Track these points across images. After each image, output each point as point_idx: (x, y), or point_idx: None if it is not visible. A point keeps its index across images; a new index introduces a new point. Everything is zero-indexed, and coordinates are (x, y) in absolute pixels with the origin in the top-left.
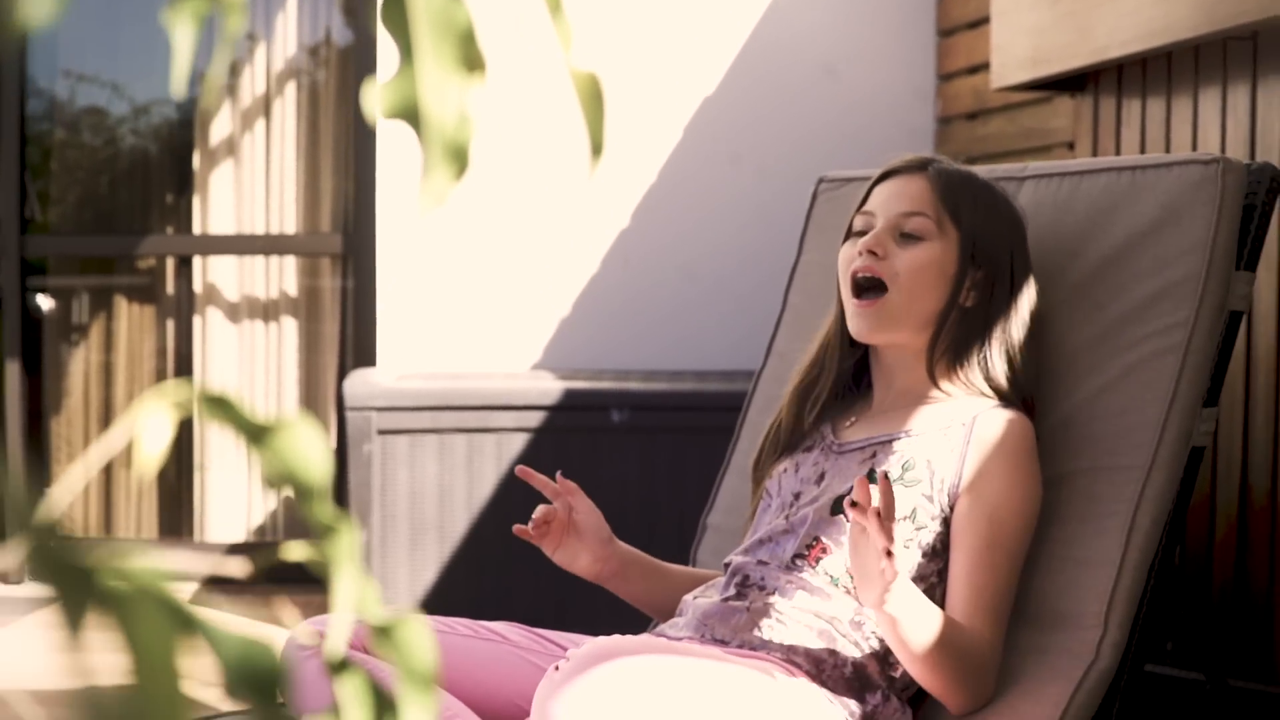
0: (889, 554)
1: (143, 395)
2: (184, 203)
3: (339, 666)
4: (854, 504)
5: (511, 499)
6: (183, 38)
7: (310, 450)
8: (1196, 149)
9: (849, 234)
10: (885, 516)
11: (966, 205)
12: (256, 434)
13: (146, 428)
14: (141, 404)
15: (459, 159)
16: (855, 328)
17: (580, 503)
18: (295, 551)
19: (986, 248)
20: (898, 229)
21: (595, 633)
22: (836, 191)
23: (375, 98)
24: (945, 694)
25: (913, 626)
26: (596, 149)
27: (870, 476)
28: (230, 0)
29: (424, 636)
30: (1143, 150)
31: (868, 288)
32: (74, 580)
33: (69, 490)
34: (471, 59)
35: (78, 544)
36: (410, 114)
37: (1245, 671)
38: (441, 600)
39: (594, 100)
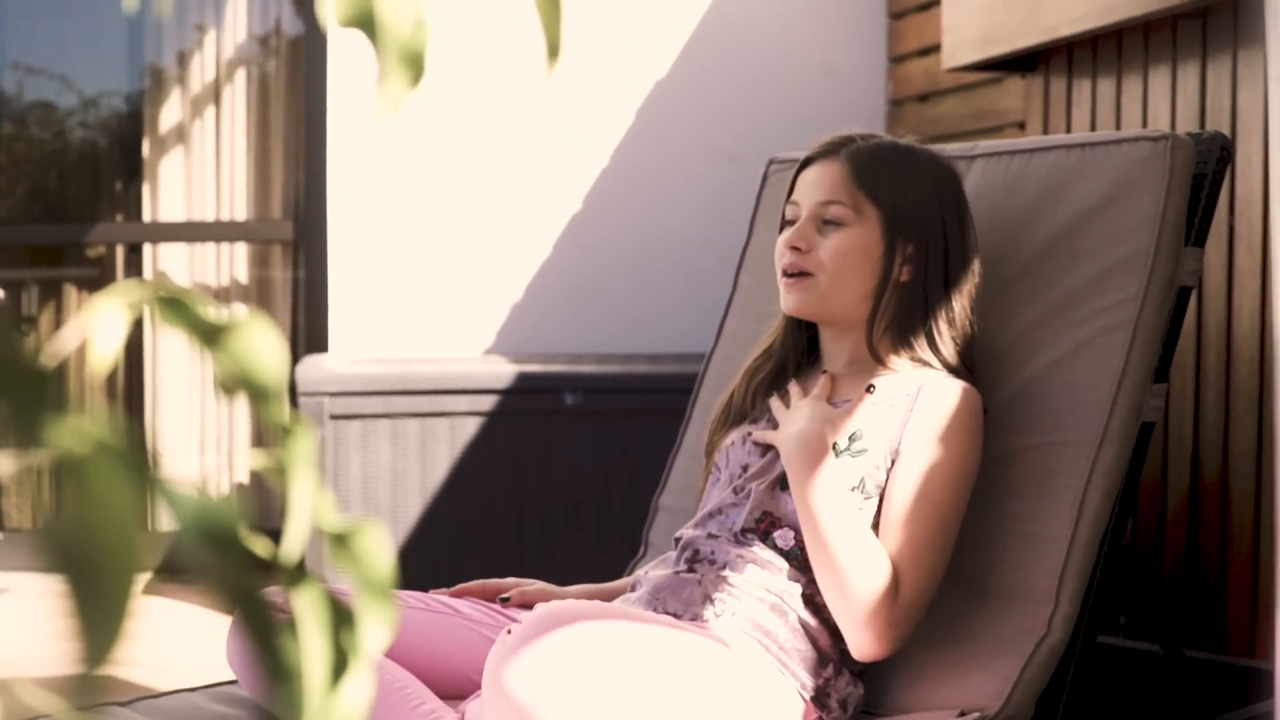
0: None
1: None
2: (134, 191)
3: (294, 577)
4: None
5: (464, 483)
6: None
7: (266, 352)
8: (1147, 127)
9: (782, 224)
10: None
11: (884, 182)
12: (211, 335)
13: (100, 327)
14: (95, 303)
15: (415, 65)
16: (785, 304)
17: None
18: (254, 460)
19: (912, 219)
20: (819, 218)
21: None
22: (787, 173)
23: (329, 5)
24: (844, 611)
25: (838, 525)
26: (553, 50)
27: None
28: None
29: (381, 544)
30: (1093, 128)
31: (795, 276)
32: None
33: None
34: None
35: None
36: (365, 21)
37: (1197, 643)
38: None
39: (551, 2)
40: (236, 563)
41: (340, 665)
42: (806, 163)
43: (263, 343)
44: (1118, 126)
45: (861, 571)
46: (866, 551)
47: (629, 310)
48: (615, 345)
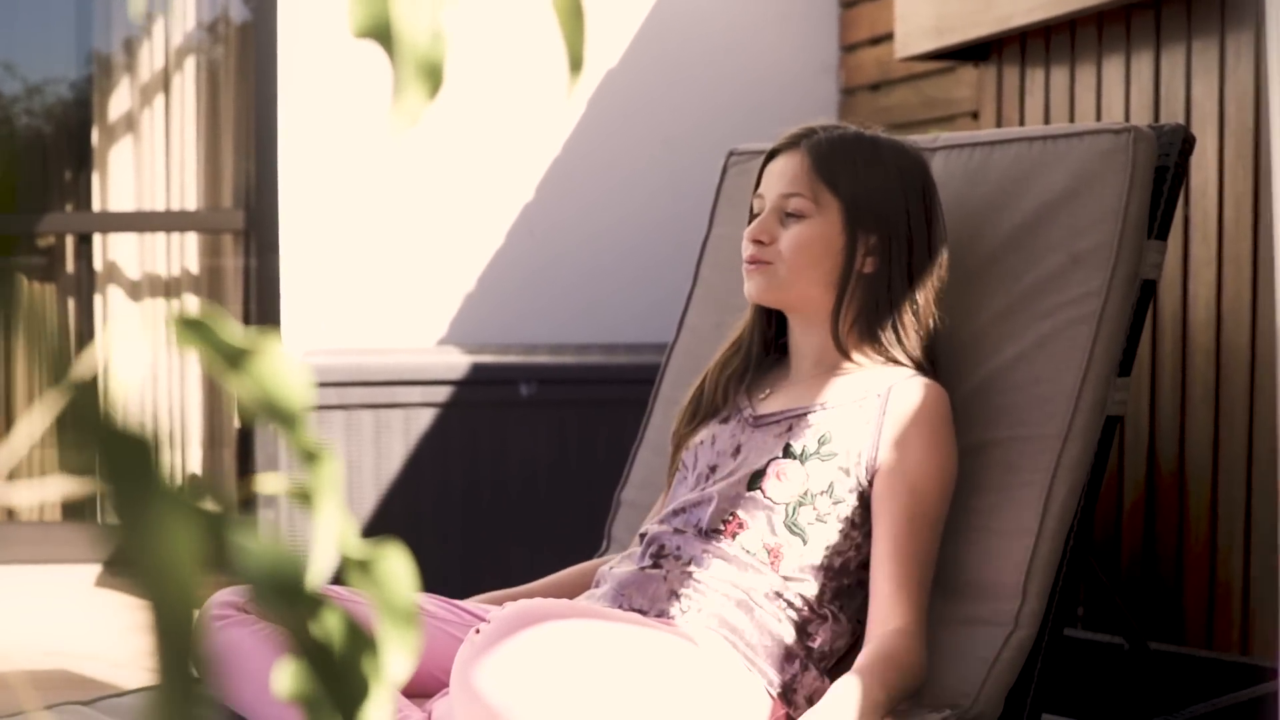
0: None
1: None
2: (83, 180)
3: (314, 603)
4: None
5: (419, 475)
6: None
7: (290, 375)
8: (1101, 118)
9: (751, 216)
10: None
11: (845, 173)
12: (234, 358)
13: (120, 354)
14: (114, 328)
15: (433, 77)
16: (746, 290)
17: None
18: (271, 483)
19: (874, 210)
20: (781, 210)
21: None
22: (747, 165)
23: (346, 15)
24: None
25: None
26: (575, 65)
27: (787, 451)
28: None
29: (405, 569)
30: (1047, 118)
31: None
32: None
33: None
34: None
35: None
36: (382, 32)
37: (1154, 634)
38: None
39: (574, 15)
40: (306, 612)
41: (362, 691)
42: (772, 155)
43: (287, 366)
44: (1071, 117)
45: (899, 693)
46: (887, 694)
47: (582, 299)
48: (568, 334)
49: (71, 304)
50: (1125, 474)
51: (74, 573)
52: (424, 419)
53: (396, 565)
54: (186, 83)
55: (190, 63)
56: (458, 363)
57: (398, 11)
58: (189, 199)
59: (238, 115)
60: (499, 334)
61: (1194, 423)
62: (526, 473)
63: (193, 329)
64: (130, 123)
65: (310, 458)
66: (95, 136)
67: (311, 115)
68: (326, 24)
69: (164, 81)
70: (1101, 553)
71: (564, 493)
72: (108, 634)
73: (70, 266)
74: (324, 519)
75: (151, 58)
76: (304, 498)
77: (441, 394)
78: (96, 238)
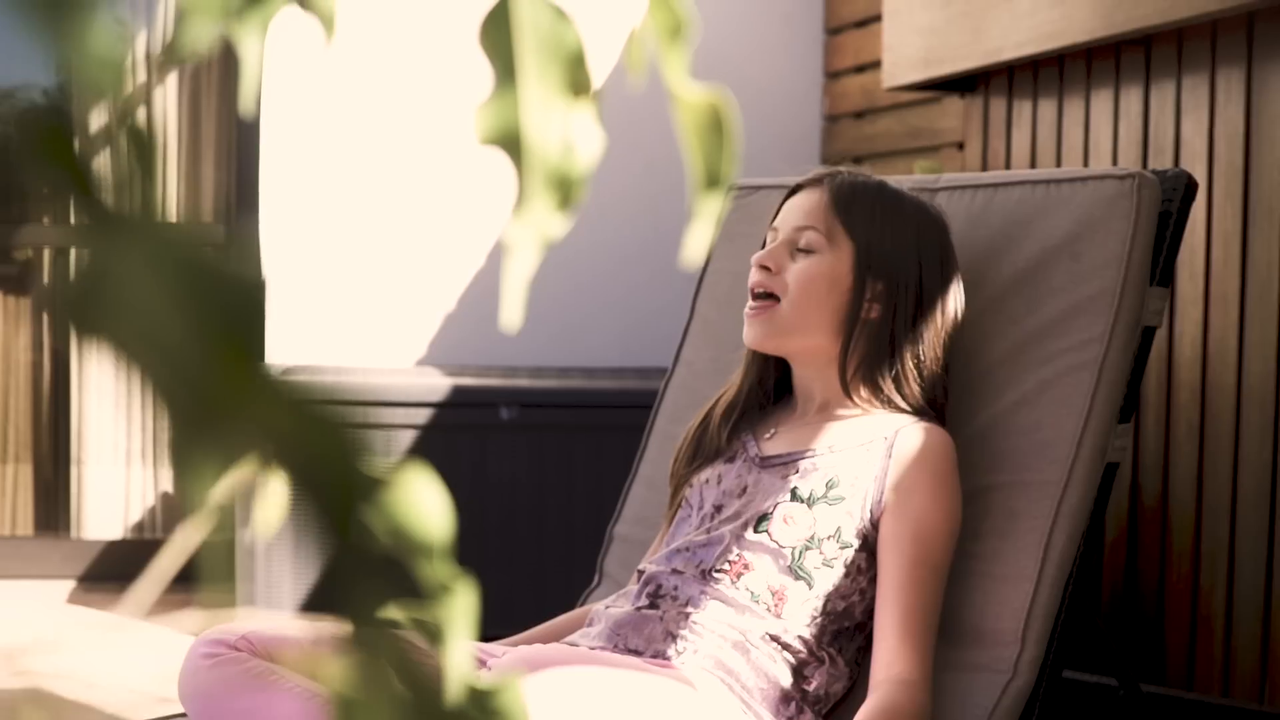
0: None
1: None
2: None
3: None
4: None
5: None
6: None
7: (429, 505)
8: (1088, 152)
9: (763, 248)
10: None
11: (862, 216)
12: (369, 488)
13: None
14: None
15: (563, 189)
16: (746, 336)
17: None
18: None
19: (885, 259)
20: (793, 244)
21: (487, 636)
22: (746, 199)
23: (473, 122)
24: None
25: None
26: (712, 182)
27: (795, 495)
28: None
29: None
30: (1034, 152)
31: (761, 297)
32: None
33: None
34: (579, 82)
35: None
36: (510, 140)
37: (1135, 672)
38: (325, 601)
39: (714, 132)
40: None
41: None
42: (794, 190)
43: (426, 495)
44: (1059, 151)
45: None
46: None
47: (562, 321)
48: (549, 357)
49: (47, 319)
50: (1108, 509)
51: (46, 588)
52: (404, 441)
53: (518, 702)
54: (168, 95)
55: (171, 75)
56: (438, 384)
57: (527, 120)
58: (169, 213)
59: (219, 130)
60: (479, 355)
61: (1178, 459)
62: (506, 497)
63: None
64: (109, 135)
65: (445, 591)
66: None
67: (293, 132)
68: (308, 40)
69: (145, 94)
70: (1083, 589)
71: (543, 518)
72: (81, 652)
73: (46, 280)
74: (454, 653)
75: (133, 70)
76: (432, 631)
77: (421, 416)
78: (74, 252)
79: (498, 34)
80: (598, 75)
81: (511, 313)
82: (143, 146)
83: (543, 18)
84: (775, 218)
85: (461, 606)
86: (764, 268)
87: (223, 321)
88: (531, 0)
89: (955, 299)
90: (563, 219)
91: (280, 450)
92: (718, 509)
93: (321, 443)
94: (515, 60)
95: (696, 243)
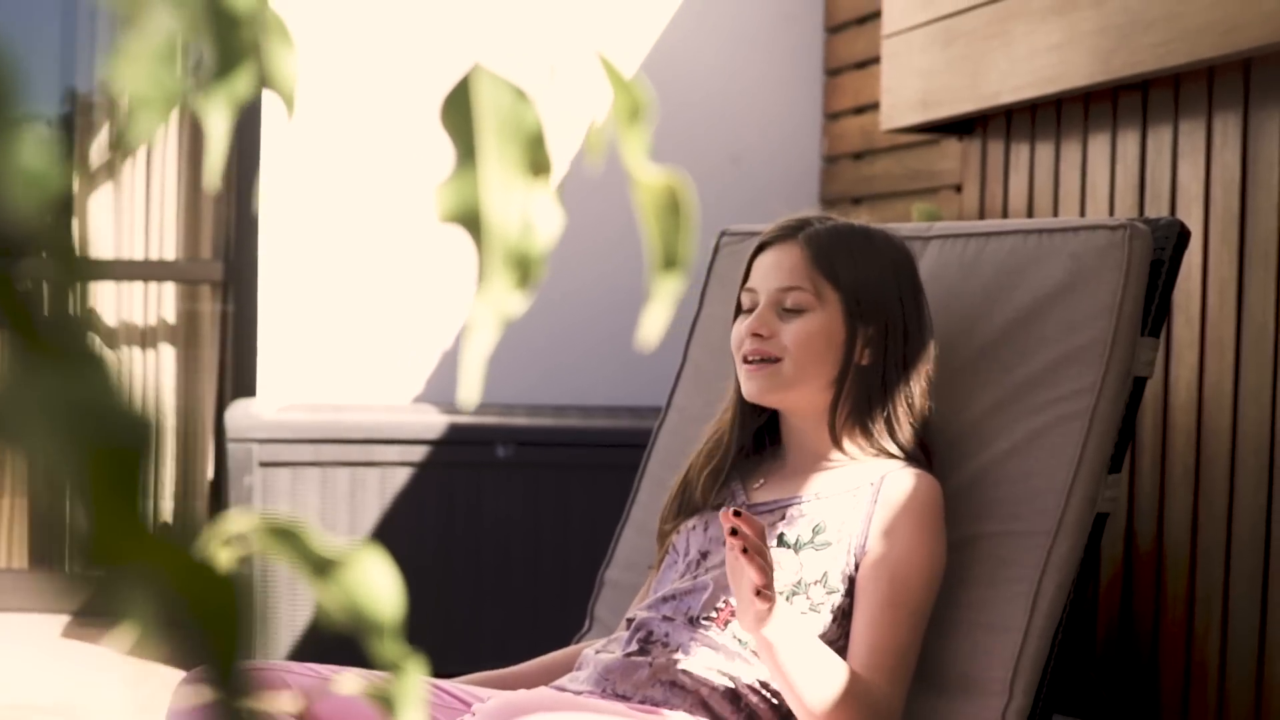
0: (760, 591)
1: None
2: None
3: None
4: (734, 532)
5: (394, 534)
6: (217, 126)
7: (380, 585)
8: (1085, 196)
9: (738, 310)
10: (754, 550)
11: (844, 265)
12: (322, 567)
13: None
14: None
15: (523, 268)
16: (747, 390)
17: None
18: (350, 685)
19: (872, 302)
20: (779, 304)
21: (481, 668)
22: (739, 245)
23: (434, 200)
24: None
25: (793, 654)
26: (669, 263)
27: (781, 541)
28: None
29: None
30: (1031, 195)
31: (758, 362)
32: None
33: None
34: (539, 162)
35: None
36: (469, 219)
37: (1129, 713)
38: (320, 639)
39: (671, 213)
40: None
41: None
42: (761, 247)
43: (377, 575)
44: (1056, 194)
45: (850, 712)
46: (853, 692)
47: (558, 360)
48: (546, 395)
49: None
50: (1103, 552)
51: (41, 622)
52: (400, 477)
53: None
54: (168, 130)
55: (172, 112)
56: (435, 422)
57: (487, 200)
58: (168, 248)
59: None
60: None
61: (1173, 503)
62: (501, 535)
63: (281, 538)
64: (111, 171)
65: (397, 668)
66: (75, 183)
67: (293, 169)
68: (308, 75)
69: (77, 205)
70: (1076, 631)
71: (538, 556)
72: (75, 686)
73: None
74: None
75: (64, 182)
76: (385, 702)
77: (418, 453)
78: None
79: (458, 114)
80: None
81: (469, 390)
82: (67, 266)
83: (503, 98)
84: (747, 277)
85: (413, 684)
86: (757, 334)
87: (109, 469)
88: (492, 81)
89: (931, 329)
90: (521, 298)
91: (162, 600)
92: (703, 555)
93: (203, 594)
94: (476, 140)
95: (652, 324)
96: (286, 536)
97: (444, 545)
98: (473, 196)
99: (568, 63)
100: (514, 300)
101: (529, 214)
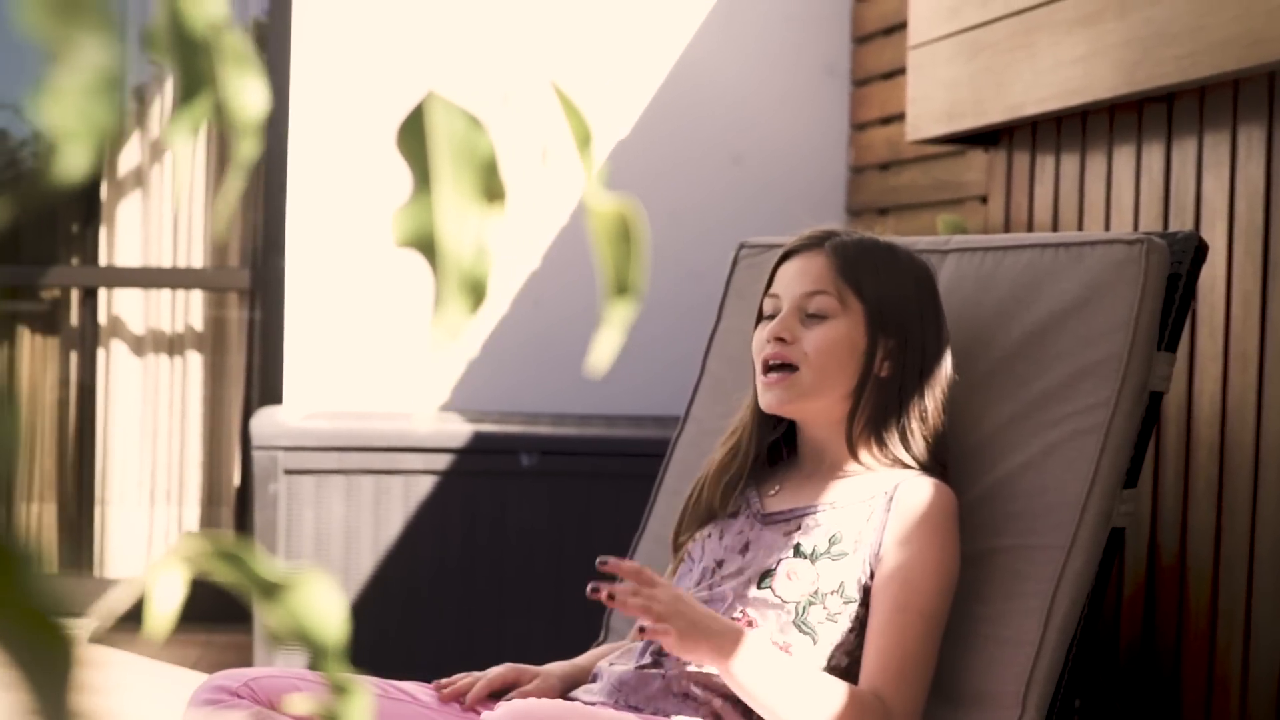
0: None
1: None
2: (90, 233)
3: None
4: (610, 597)
5: (418, 542)
6: (183, 150)
7: (324, 608)
8: (1110, 208)
9: (759, 318)
10: (623, 596)
11: (868, 276)
12: (269, 590)
13: (158, 587)
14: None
15: (475, 292)
16: (765, 400)
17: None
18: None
19: (894, 315)
20: (802, 310)
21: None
22: (757, 258)
23: (390, 225)
24: None
25: (762, 682)
26: (621, 290)
27: (798, 551)
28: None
29: None
30: (1056, 206)
31: (778, 368)
32: None
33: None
34: (492, 189)
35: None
36: (425, 244)
37: None
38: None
39: (622, 241)
40: None
41: None
42: (786, 255)
43: (322, 598)
44: (1081, 206)
45: (800, 711)
46: (799, 692)
47: (581, 368)
48: (570, 404)
49: (74, 358)
50: (1126, 564)
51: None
52: (425, 486)
53: None
54: (197, 140)
55: (103, 145)
56: (459, 430)
57: (442, 225)
58: (195, 256)
59: (247, 175)
60: (499, 401)
61: (1196, 517)
62: (525, 544)
63: (228, 562)
64: (139, 177)
65: (341, 691)
66: (104, 190)
67: (320, 176)
68: (334, 87)
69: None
70: (1100, 644)
71: (561, 566)
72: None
73: (74, 320)
74: None
75: (162, 112)
76: None
77: (442, 461)
78: (102, 292)
79: (414, 140)
80: (627, 123)
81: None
82: None
83: (457, 125)
84: (771, 283)
85: (358, 706)
86: (779, 339)
87: None
88: (446, 108)
89: (948, 345)
90: (473, 320)
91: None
92: (719, 564)
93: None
94: (430, 166)
95: (603, 349)
96: (233, 560)
97: (467, 553)
98: (428, 222)
99: (587, 81)
100: (467, 323)
101: (482, 239)
